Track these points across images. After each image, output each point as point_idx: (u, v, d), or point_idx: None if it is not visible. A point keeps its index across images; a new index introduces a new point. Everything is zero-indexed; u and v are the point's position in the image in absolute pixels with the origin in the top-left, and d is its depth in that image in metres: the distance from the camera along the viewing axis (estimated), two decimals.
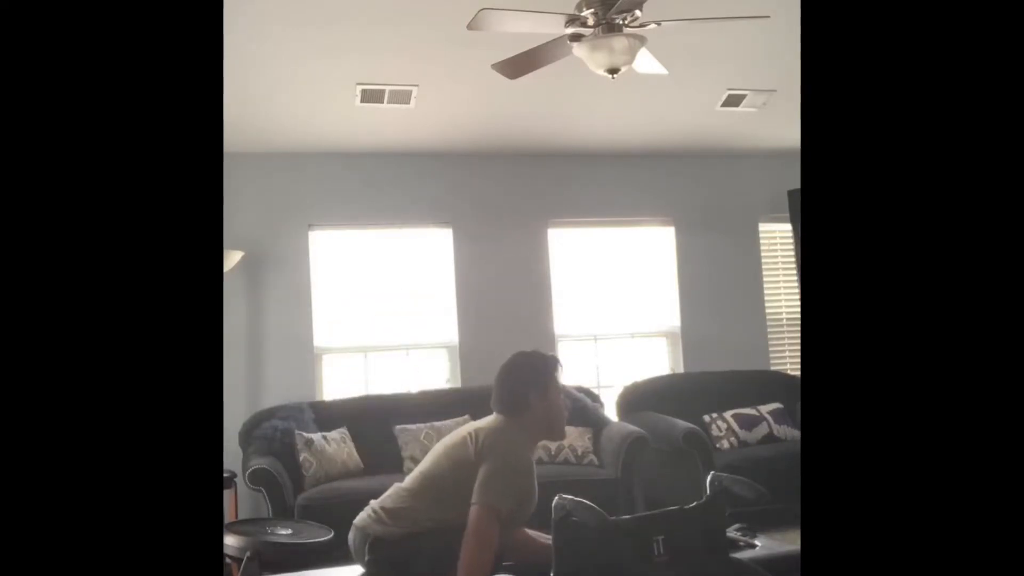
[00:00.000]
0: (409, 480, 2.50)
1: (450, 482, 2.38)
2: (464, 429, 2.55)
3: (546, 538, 2.32)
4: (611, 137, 5.48)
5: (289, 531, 3.39)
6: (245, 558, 3.06)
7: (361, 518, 2.48)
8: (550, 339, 5.55)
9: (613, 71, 3.32)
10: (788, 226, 5.86)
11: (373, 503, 2.50)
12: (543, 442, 4.66)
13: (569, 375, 5.44)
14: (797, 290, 5.83)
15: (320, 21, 3.91)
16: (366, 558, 2.40)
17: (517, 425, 2.49)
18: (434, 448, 2.57)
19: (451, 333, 5.44)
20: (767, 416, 5.10)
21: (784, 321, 6.04)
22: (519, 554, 2.49)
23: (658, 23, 3.29)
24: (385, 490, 2.53)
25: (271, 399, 4.99)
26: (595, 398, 5.18)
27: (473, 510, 2.30)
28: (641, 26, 3.28)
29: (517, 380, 2.54)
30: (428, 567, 2.30)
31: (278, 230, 5.23)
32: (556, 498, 2.07)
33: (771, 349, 5.96)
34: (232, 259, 4.80)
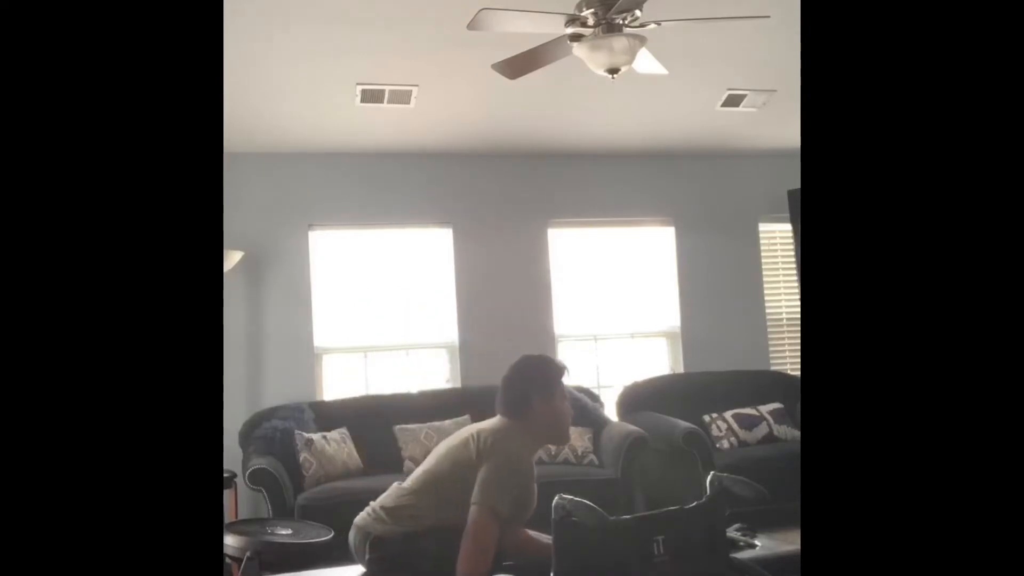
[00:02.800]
0: (411, 480, 2.50)
1: (451, 482, 2.37)
2: (467, 430, 2.55)
3: (546, 538, 2.32)
4: (611, 137, 5.48)
5: (289, 531, 3.39)
6: (245, 558, 3.06)
7: (361, 517, 2.48)
8: (550, 339, 5.55)
9: (613, 71, 3.32)
10: (788, 226, 5.86)
11: (373, 503, 2.50)
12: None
13: (569, 375, 5.48)
14: (797, 290, 5.83)
15: (320, 21, 3.91)
16: (367, 557, 2.40)
17: (520, 428, 2.49)
18: (436, 448, 2.57)
19: (451, 333, 5.44)
20: (767, 416, 5.10)
21: (784, 321, 6.04)
22: (519, 553, 2.49)
23: (658, 23, 3.29)
24: (385, 490, 2.53)
25: (271, 399, 4.99)
26: (595, 398, 5.18)
27: (472, 510, 2.29)
28: (641, 26, 3.28)
29: (522, 383, 2.54)
30: (429, 566, 2.30)
31: (278, 230, 5.23)
32: (556, 498, 2.06)
33: (771, 349, 5.95)
34: (232, 259, 4.80)
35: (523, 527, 2.56)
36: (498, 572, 2.38)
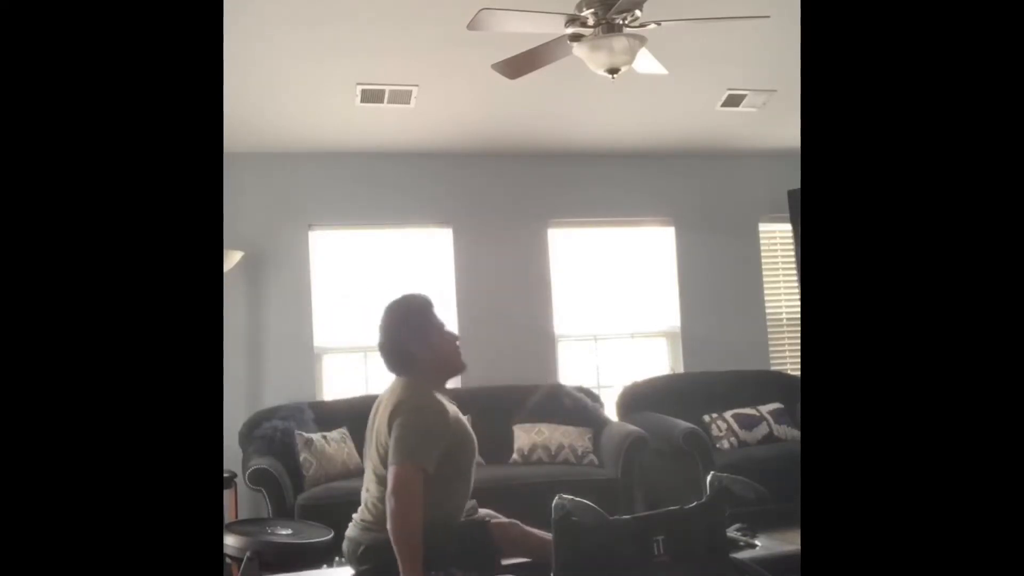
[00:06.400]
0: (370, 484, 2.45)
1: None
2: (372, 411, 2.49)
3: (545, 534, 2.31)
4: (611, 137, 5.48)
5: (289, 531, 3.39)
6: (245, 558, 3.06)
7: (351, 527, 2.47)
8: (550, 339, 5.55)
9: (613, 71, 3.32)
10: (788, 226, 5.86)
11: (355, 514, 2.47)
12: (540, 440, 4.68)
13: (569, 375, 5.49)
14: (797, 290, 5.83)
15: (320, 21, 3.91)
16: (360, 567, 2.39)
17: (412, 379, 2.43)
18: (366, 447, 2.51)
19: None
20: (767, 416, 5.10)
21: (784, 321, 6.04)
22: (520, 548, 2.48)
23: (658, 23, 3.29)
24: None
25: (271, 399, 4.99)
26: (595, 398, 5.18)
27: (390, 471, 2.25)
28: (641, 26, 3.28)
29: (394, 336, 2.45)
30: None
31: (278, 230, 5.23)
32: (556, 498, 2.06)
33: (771, 349, 5.95)
34: (232, 259, 4.80)
35: (470, 472, 2.49)
36: (498, 573, 2.38)
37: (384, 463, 2.35)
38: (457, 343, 2.52)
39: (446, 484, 2.36)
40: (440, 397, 2.44)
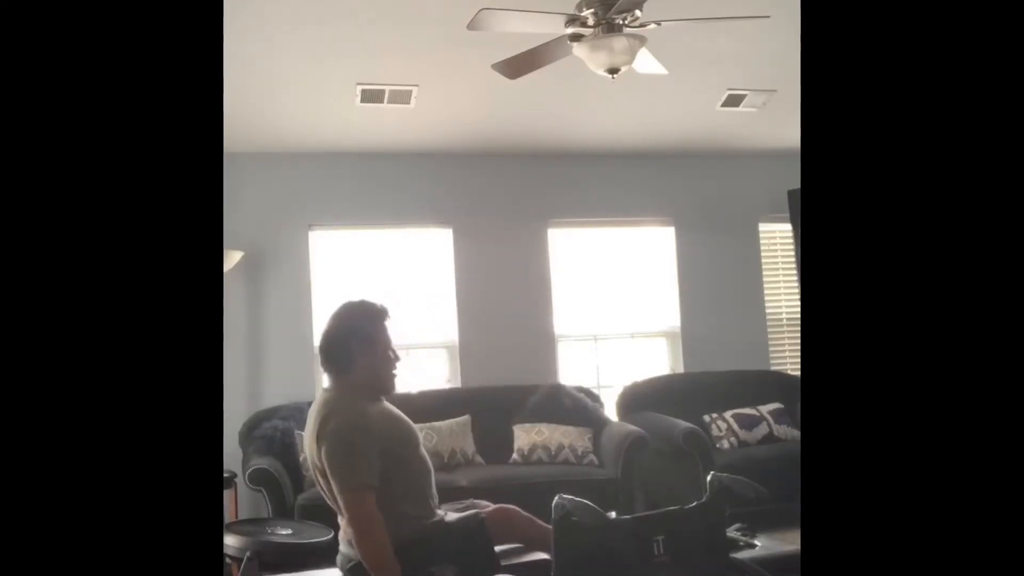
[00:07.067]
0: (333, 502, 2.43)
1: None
2: (304, 435, 2.46)
3: (546, 524, 2.30)
4: (611, 137, 5.48)
5: (289, 531, 3.39)
6: (245, 558, 3.06)
7: (340, 542, 2.45)
8: (550, 339, 5.55)
9: (613, 71, 3.32)
10: (788, 226, 5.86)
11: (342, 534, 2.44)
12: (540, 440, 4.68)
13: (569, 375, 5.49)
14: (797, 290, 5.83)
15: (320, 21, 3.91)
16: None
17: (343, 385, 2.40)
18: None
19: (451, 333, 5.44)
20: (767, 416, 5.10)
21: (784, 321, 6.04)
22: (518, 538, 2.47)
23: (658, 23, 3.29)
24: None
25: (271, 399, 4.99)
26: (595, 398, 5.18)
27: (340, 500, 2.25)
28: (641, 26, 3.28)
29: (340, 332, 2.43)
30: None
31: (278, 230, 5.23)
32: (556, 498, 2.07)
33: (771, 349, 5.95)
34: (232, 259, 4.80)
35: (425, 463, 2.45)
36: (498, 573, 2.38)
37: (325, 482, 2.33)
38: (396, 365, 2.48)
39: (401, 483, 2.34)
40: (361, 404, 2.38)
